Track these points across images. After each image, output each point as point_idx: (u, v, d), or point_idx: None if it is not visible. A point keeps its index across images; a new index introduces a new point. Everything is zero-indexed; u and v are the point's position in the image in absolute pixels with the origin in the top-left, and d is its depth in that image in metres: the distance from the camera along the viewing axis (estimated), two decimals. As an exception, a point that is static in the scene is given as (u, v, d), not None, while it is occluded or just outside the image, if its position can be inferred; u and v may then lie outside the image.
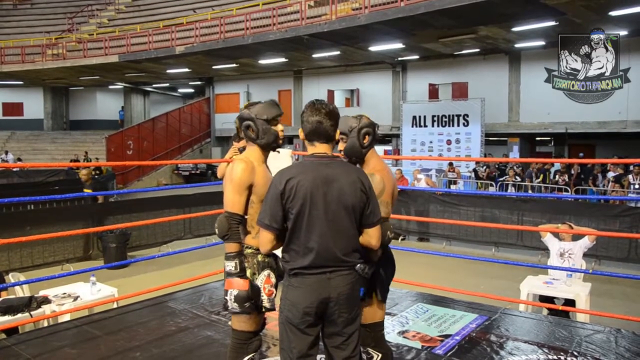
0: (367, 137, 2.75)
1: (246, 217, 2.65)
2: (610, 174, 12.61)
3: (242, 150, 5.32)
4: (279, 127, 2.75)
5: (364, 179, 2.41)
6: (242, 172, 2.60)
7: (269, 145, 2.75)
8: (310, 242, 2.31)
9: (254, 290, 2.59)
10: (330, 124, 2.40)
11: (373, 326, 2.77)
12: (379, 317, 2.80)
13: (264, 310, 2.68)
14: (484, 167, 14.48)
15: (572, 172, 12.82)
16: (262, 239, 2.41)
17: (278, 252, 2.59)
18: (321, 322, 2.38)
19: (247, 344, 2.72)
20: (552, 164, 13.52)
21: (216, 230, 2.58)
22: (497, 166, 14.57)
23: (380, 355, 2.78)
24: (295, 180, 2.31)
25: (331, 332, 2.39)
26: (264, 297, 2.66)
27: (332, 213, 2.32)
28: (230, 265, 2.55)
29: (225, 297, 2.56)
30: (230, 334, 2.78)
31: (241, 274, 2.56)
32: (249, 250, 2.67)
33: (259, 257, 2.66)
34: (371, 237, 2.43)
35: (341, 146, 2.77)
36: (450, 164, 14.65)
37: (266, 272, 2.68)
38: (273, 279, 2.69)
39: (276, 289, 2.70)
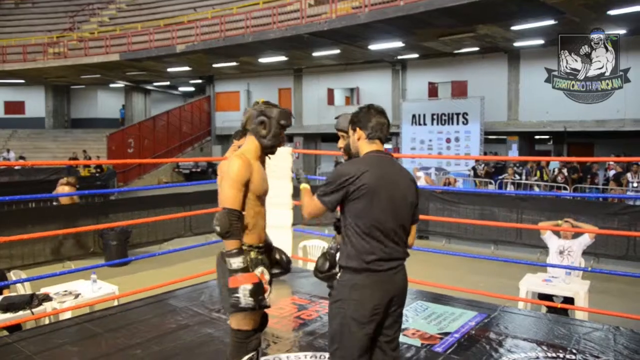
0: None
1: (243, 213, 2.64)
2: (611, 172, 12.64)
3: (242, 148, 5.33)
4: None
5: (412, 177, 2.61)
6: (239, 168, 2.61)
7: (270, 148, 2.81)
8: (380, 235, 2.39)
9: (262, 283, 2.59)
10: (390, 128, 2.62)
11: None
12: None
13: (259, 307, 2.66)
14: (483, 166, 14.49)
15: (575, 165, 12.82)
16: (314, 206, 2.51)
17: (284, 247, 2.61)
18: (381, 320, 2.44)
19: (247, 342, 2.71)
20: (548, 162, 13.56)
21: (217, 228, 2.53)
22: (492, 165, 14.58)
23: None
24: (370, 173, 2.40)
25: (387, 325, 2.47)
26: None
27: (400, 208, 2.45)
28: (237, 262, 2.53)
29: (237, 295, 2.50)
30: (230, 333, 2.77)
31: (246, 269, 2.55)
32: (244, 247, 2.64)
33: (252, 254, 2.66)
34: (412, 235, 2.61)
35: (341, 143, 2.81)
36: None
37: (260, 269, 2.67)
38: (267, 276, 2.69)
39: (270, 286, 2.72)
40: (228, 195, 2.59)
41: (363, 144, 2.55)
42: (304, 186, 2.79)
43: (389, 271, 2.39)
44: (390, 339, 2.49)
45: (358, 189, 2.37)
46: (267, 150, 2.80)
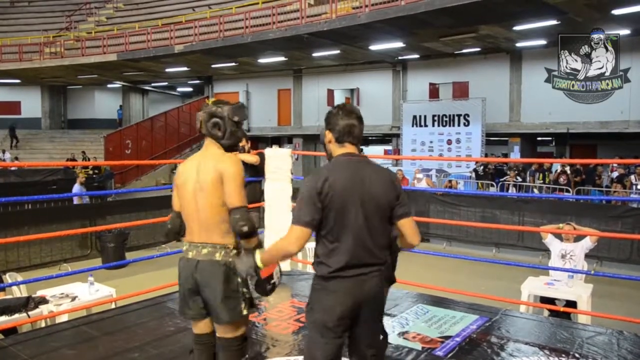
0: None
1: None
2: (614, 174, 12.62)
3: (241, 150, 5.29)
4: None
5: (393, 176, 2.49)
6: (241, 168, 2.65)
7: (231, 147, 2.77)
8: (348, 241, 2.34)
9: None
10: (361, 128, 2.49)
11: None
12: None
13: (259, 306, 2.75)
14: (482, 167, 14.50)
15: (578, 167, 12.80)
16: (296, 236, 2.33)
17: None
18: (352, 325, 2.41)
19: (245, 345, 2.72)
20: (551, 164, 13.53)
21: (244, 229, 2.53)
22: (494, 166, 14.56)
23: (382, 336, 2.86)
24: (333, 179, 2.34)
25: (360, 333, 2.44)
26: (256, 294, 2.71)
27: (369, 211, 2.36)
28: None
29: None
30: (226, 344, 2.71)
31: None
32: (235, 251, 2.66)
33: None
34: (408, 234, 2.47)
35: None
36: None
37: None
38: None
39: None
40: (241, 194, 2.60)
41: (334, 147, 2.49)
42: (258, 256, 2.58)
43: (356, 277, 2.34)
44: (368, 342, 2.47)
45: (325, 197, 2.31)
46: (229, 150, 2.76)
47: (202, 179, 2.63)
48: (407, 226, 2.46)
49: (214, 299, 2.61)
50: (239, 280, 2.62)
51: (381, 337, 2.90)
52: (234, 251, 2.64)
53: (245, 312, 2.65)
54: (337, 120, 2.46)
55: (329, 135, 2.49)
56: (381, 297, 2.47)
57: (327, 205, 2.32)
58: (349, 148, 2.47)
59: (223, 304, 2.59)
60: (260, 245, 2.61)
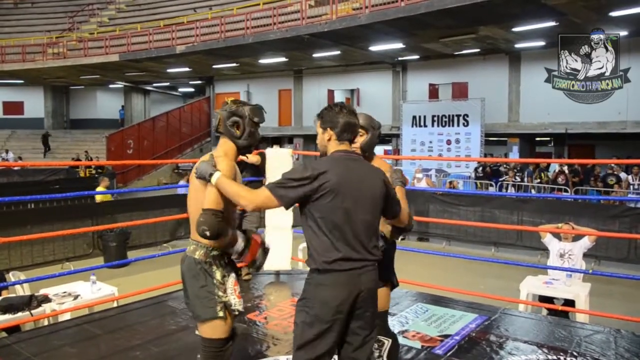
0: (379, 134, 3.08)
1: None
2: (602, 174, 12.68)
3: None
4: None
5: (383, 175, 2.54)
6: (230, 170, 2.55)
7: (247, 148, 2.73)
8: (343, 236, 2.35)
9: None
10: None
11: (383, 314, 2.89)
12: (387, 306, 3.02)
13: (237, 313, 2.63)
14: (480, 167, 14.54)
15: (576, 167, 12.84)
16: (262, 200, 2.35)
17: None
18: (347, 319, 2.38)
19: (223, 352, 2.63)
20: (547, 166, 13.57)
21: (207, 233, 2.43)
22: (491, 167, 14.60)
23: (390, 340, 2.92)
24: (330, 173, 2.34)
25: (355, 327, 2.40)
26: (236, 300, 2.61)
27: (365, 208, 2.40)
28: (239, 246, 2.62)
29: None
30: (202, 344, 2.66)
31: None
32: (216, 252, 2.60)
33: (225, 259, 2.65)
34: (404, 220, 2.72)
35: (358, 139, 2.82)
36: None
37: (234, 274, 2.66)
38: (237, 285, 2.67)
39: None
40: (214, 197, 2.48)
41: (332, 145, 2.48)
42: (218, 175, 2.49)
43: (351, 271, 2.34)
44: (359, 343, 2.42)
45: (318, 189, 2.32)
46: (243, 150, 2.73)
47: (193, 176, 2.63)
48: (404, 215, 2.69)
49: (189, 294, 2.62)
50: (215, 282, 2.58)
51: (390, 341, 2.94)
52: (214, 252, 2.60)
53: (220, 313, 2.56)
54: (339, 118, 2.46)
55: (330, 132, 2.47)
56: (375, 292, 2.46)
57: (320, 197, 2.33)
58: (346, 146, 2.49)
59: (196, 301, 2.58)
60: (231, 244, 2.60)
